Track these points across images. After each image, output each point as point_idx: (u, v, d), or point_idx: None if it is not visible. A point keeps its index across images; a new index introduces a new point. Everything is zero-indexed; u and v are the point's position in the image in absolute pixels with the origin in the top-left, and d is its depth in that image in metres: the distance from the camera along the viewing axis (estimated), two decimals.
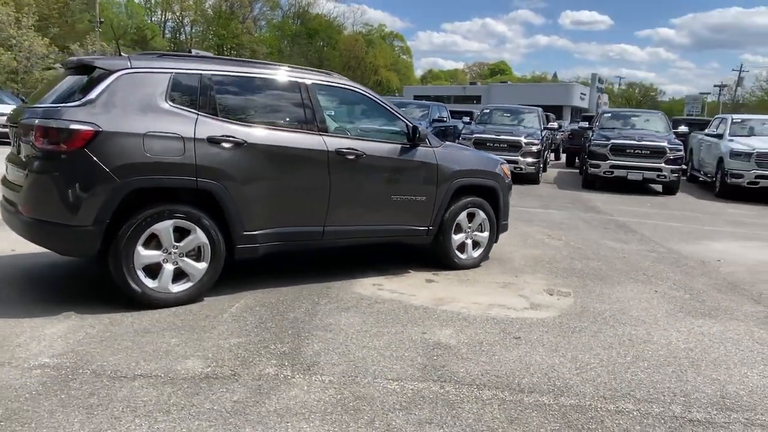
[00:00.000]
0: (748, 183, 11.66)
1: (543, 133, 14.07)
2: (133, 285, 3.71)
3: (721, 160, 12.45)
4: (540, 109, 15.49)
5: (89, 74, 3.77)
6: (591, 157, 12.69)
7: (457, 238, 5.24)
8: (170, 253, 3.83)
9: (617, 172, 12.31)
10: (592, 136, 13.34)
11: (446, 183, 5.02)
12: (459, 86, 64.47)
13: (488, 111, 15.53)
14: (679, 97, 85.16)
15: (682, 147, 12.63)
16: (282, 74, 4.43)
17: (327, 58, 72.46)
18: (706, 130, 14.19)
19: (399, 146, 4.82)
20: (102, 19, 35.28)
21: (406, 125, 4.89)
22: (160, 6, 62.54)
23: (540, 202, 10.24)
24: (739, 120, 13.69)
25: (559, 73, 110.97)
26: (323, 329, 3.64)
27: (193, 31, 69.20)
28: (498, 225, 5.53)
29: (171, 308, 3.83)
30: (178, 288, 3.89)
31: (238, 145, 3.98)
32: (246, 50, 66.87)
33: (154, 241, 3.78)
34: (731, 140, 12.54)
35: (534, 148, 12.94)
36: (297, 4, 75.65)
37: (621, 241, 7.07)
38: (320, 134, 4.39)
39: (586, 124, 15.08)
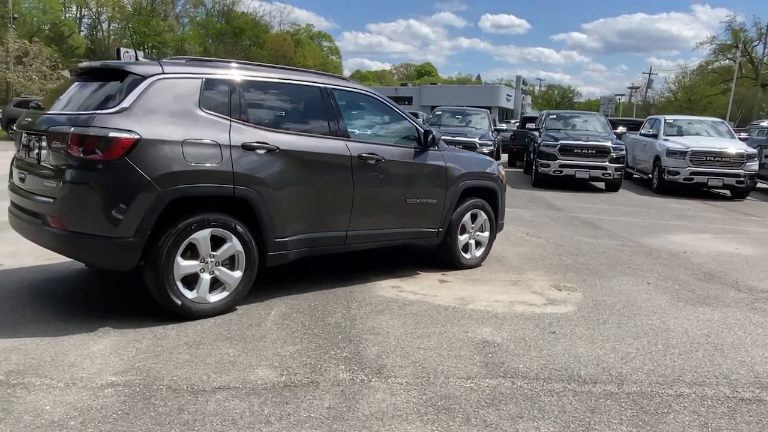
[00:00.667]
0: (683, 179, 12.60)
1: (494, 135, 14.57)
2: (174, 297, 3.61)
3: (657, 158, 13.37)
4: (488, 111, 16.02)
5: (120, 79, 3.62)
6: (541, 157, 13.26)
7: (462, 238, 5.40)
8: (207, 263, 3.76)
9: (566, 171, 12.96)
10: (540, 137, 13.95)
11: (454, 185, 5.17)
12: (391, 87, 65.11)
13: (439, 113, 15.87)
14: (593, 99, 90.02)
15: (624, 147, 13.46)
16: (306, 79, 4.43)
17: (254, 57, 71.12)
18: (642, 131, 15.15)
19: (412, 150, 4.92)
20: (16, 15, 33.02)
21: (417, 129, 5.00)
22: (75, 1, 59.20)
23: None
24: (672, 120, 14.72)
25: (481, 75, 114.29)
26: (370, 333, 3.69)
27: (111, 28, 66.04)
28: (496, 225, 5.75)
29: (209, 319, 3.76)
30: (215, 298, 3.82)
31: (271, 151, 3.96)
32: (169, 48, 64.58)
33: (190, 251, 3.69)
34: (666, 140, 13.49)
35: (486, 150, 13.35)
36: (221, 2, 73.79)
37: (593, 237, 7.49)
38: (343, 139, 4.43)
39: (533, 125, 15.71)
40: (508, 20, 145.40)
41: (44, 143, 3.64)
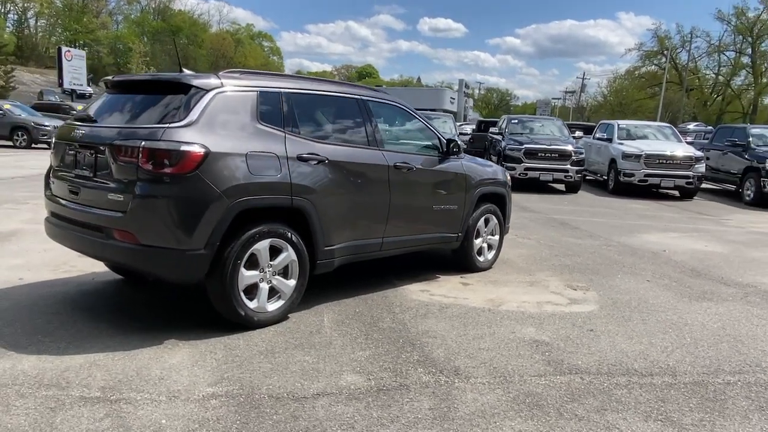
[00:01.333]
0: (638, 181, 13.41)
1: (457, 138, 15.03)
2: (238, 307, 3.67)
3: (613, 161, 14.15)
4: (452, 115, 16.45)
5: (180, 92, 3.64)
6: (506, 161, 13.76)
7: (476, 242, 5.65)
8: (266, 273, 3.82)
9: (531, 174, 13.53)
10: (504, 141, 14.48)
11: (471, 192, 5.41)
12: None
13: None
14: (528, 102, 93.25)
15: (584, 150, 14.17)
16: (345, 90, 4.56)
17: (193, 56, 69.40)
18: (597, 135, 15.96)
19: (437, 158, 5.12)
20: None
21: (440, 138, 5.20)
22: None
23: None
24: (624, 125, 15.60)
25: (421, 77, 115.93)
26: (426, 336, 3.86)
27: (39, 24, 62.77)
28: (504, 229, 6.04)
29: (269, 328, 3.83)
30: (272, 307, 3.89)
31: (321, 162, 4.06)
32: (102, 46, 62.05)
33: (250, 262, 3.75)
34: (621, 143, 14.30)
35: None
36: None
37: (577, 237, 7.92)
38: (380, 149, 4.58)
39: (496, 130, 16.23)
40: (445, 24, 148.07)
41: (102, 156, 3.61)
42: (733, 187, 14.19)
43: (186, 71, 4.01)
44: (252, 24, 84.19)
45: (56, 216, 4.03)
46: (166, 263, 3.49)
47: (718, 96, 66.80)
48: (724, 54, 68.61)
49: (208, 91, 3.64)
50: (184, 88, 3.68)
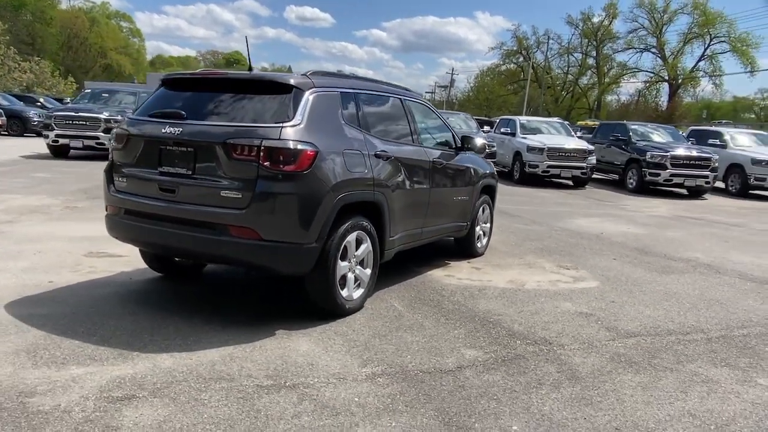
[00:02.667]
0: (542, 172, 14.87)
1: None
2: (336, 297, 3.88)
3: (518, 154, 15.51)
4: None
5: (277, 92, 3.77)
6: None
7: (477, 230, 6.20)
8: (352, 263, 4.05)
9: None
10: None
11: (477, 184, 5.95)
12: None
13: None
14: None
15: (495, 143, 15.36)
16: (392, 90, 4.87)
17: (40, 35, 62.81)
18: (501, 129, 17.30)
19: (453, 153, 5.57)
20: None
21: (454, 135, 5.66)
22: None
23: None
24: (525, 121, 17.10)
25: (292, 66, 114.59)
26: (493, 314, 4.32)
27: None
28: (493, 217, 6.66)
29: (359, 314, 4.09)
30: (356, 295, 4.13)
31: (388, 159, 4.35)
32: None
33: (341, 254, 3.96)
34: (525, 138, 15.71)
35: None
36: None
37: (525, 224, 8.80)
38: (422, 146, 4.95)
39: None
40: (312, 13, 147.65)
41: (205, 153, 3.63)
42: (617, 177, 16.20)
43: (263, 71, 4.09)
44: (108, 2, 77.41)
45: (135, 213, 3.93)
46: (284, 257, 3.60)
47: (567, 93, 73.76)
48: (573, 55, 75.72)
49: (305, 91, 3.79)
50: (283, 88, 3.80)
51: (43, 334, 3.47)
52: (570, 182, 15.64)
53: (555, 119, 19.43)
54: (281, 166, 3.51)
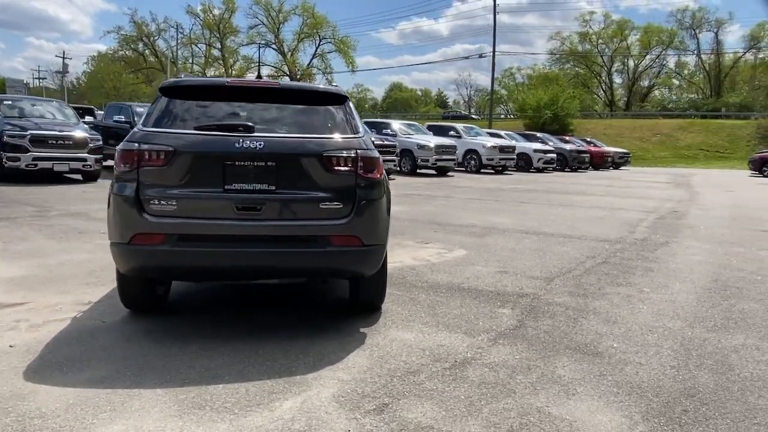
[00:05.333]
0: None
1: None
2: (384, 293, 4.38)
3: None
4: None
5: (328, 103, 4.05)
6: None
7: None
8: None
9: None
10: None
11: None
12: None
13: None
14: None
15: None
16: None
17: None
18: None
19: None
20: None
21: None
22: None
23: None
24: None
25: None
26: (465, 282, 5.38)
27: None
28: None
29: (388, 307, 4.61)
30: None
31: None
32: None
33: None
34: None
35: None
36: None
37: None
38: None
39: None
40: None
41: (290, 166, 3.67)
42: None
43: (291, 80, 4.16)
44: None
45: (199, 238, 3.56)
46: (374, 259, 3.90)
47: None
48: (197, 46, 75.96)
49: (348, 101, 4.11)
50: (337, 99, 4.04)
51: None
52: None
53: None
54: (370, 174, 3.84)
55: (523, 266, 6.17)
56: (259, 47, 68.81)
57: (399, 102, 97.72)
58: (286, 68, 70.39)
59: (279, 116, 3.92)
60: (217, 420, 2.74)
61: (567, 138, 31.65)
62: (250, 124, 3.72)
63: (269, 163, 3.63)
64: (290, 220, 3.67)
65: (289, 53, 72.15)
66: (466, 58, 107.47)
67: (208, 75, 74.12)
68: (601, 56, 66.58)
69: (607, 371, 3.42)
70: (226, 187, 3.60)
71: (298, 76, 71.09)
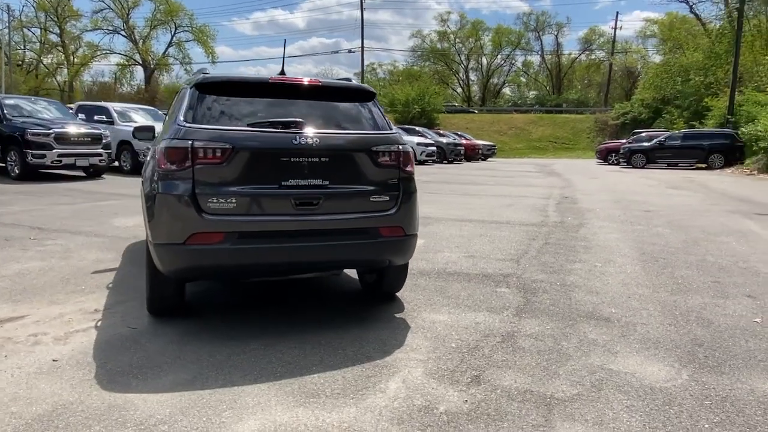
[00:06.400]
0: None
1: None
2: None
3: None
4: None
5: (368, 100, 4.24)
6: (33, 147, 13.16)
7: None
8: None
9: (66, 161, 13.63)
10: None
11: None
12: None
13: None
14: None
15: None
16: None
17: None
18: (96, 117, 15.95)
19: None
20: None
21: None
22: None
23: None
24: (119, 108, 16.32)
25: None
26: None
27: None
28: None
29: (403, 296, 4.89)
30: None
31: None
32: None
33: None
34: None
35: None
36: None
37: None
38: None
39: None
40: None
41: (341, 161, 3.80)
42: None
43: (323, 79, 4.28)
44: None
45: (259, 235, 3.57)
46: (411, 248, 4.13)
47: (30, 72, 66.45)
48: (30, 30, 68.39)
49: (376, 95, 4.31)
50: (369, 95, 4.24)
51: None
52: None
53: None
54: (408, 168, 4.09)
55: (483, 250, 6.70)
56: (110, 33, 63.72)
57: None
58: (138, 57, 65.84)
59: (320, 113, 4.00)
60: (340, 405, 2.87)
61: (442, 132, 33.36)
62: (301, 120, 3.78)
63: (323, 159, 3.73)
64: (344, 214, 3.80)
65: (141, 41, 67.48)
66: (336, 52, 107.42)
67: (44, 63, 67.27)
68: (459, 54, 70.62)
69: (626, 332, 4.00)
70: (282, 183, 3.64)
71: (152, 66, 66.91)
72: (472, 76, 72.76)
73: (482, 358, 3.48)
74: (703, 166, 25.87)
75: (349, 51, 59.51)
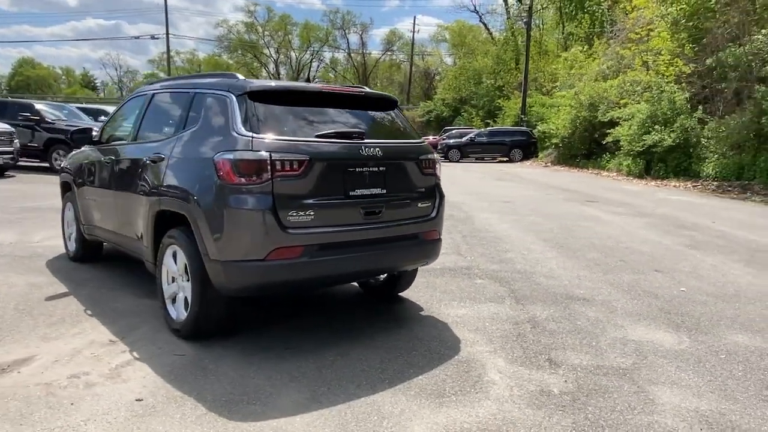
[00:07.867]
0: None
1: None
2: None
3: None
4: None
5: (392, 108, 4.39)
6: None
7: None
8: None
9: None
10: None
11: None
12: None
13: None
14: None
15: None
16: None
17: None
18: None
19: None
20: None
21: None
22: None
23: None
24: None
25: None
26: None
27: None
28: None
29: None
30: None
31: None
32: None
33: None
34: None
35: None
36: None
37: None
38: None
39: None
40: None
41: (392, 170, 3.93)
42: None
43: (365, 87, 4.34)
44: None
45: (335, 247, 3.58)
46: (440, 249, 4.40)
47: None
48: None
49: (398, 102, 4.49)
50: (394, 103, 4.38)
51: None
52: None
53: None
54: (440, 174, 4.36)
55: None
56: None
57: (34, 81, 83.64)
58: None
59: (365, 122, 4.06)
60: (473, 400, 3.09)
61: None
62: (364, 130, 3.82)
63: (380, 168, 3.83)
64: (401, 220, 3.95)
65: None
66: (137, 38, 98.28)
67: None
68: (268, 47, 69.61)
69: (611, 309, 4.73)
70: (349, 193, 3.67)
71: None
72: (282, 70, 72.35)
73: (535, 344, 3.93)
74: (505, 159, 29.33)
75: (152, 37, 55.28)
